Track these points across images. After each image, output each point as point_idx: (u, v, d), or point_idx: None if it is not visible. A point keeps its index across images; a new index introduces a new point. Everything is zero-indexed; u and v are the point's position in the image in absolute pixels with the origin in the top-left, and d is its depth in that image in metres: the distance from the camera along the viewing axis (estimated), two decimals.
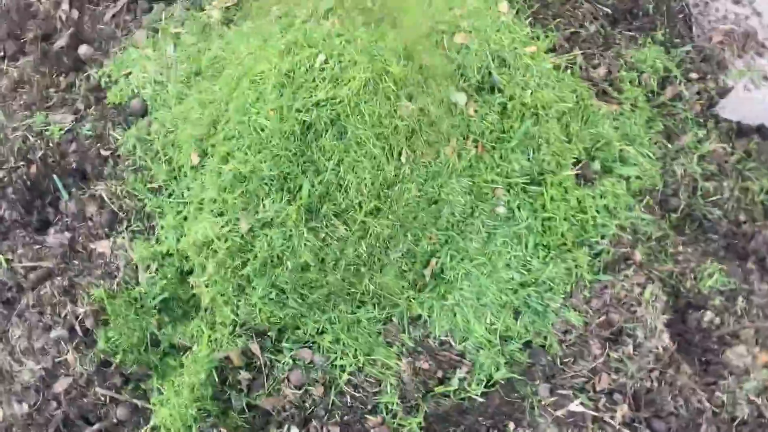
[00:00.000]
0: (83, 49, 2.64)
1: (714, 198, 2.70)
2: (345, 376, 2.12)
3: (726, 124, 2.96)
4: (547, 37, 2.69)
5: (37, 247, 2.28)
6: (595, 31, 2.98)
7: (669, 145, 2.78)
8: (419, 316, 2.22)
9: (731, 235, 2.70)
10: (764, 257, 2.66)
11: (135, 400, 2.12)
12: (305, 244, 2.05)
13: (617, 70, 2.88)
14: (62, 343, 2.12)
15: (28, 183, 2.37)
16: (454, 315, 2.21)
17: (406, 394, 2.12)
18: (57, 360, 2.12)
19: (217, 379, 2.09)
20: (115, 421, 2.11)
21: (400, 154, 2.09)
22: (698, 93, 2.93)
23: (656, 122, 2.83)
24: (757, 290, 2.52)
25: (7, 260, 2.26)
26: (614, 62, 2.90)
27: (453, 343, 2.20)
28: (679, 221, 2.66)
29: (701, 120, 2.90)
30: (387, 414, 2.10)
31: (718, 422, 2.27)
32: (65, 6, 2.69)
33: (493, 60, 2.34)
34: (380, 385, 2.13)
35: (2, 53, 2.64)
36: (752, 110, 2.98)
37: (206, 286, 2.16)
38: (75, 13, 2.71)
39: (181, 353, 2.18)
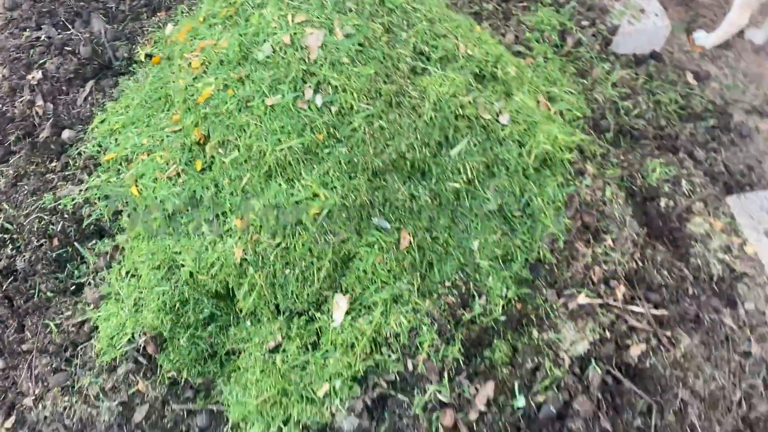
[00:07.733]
0: (66, 134, 2.80)
1: (635, 112, 3.11)
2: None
3: (624, 57, 3.42)
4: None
5: (81, 305, 2.41)
6: (493, 9, 3.45)
7: (585, 81, 3.21)
8: (430, 264, 2.46)
9: (659, 138, 3.06)
10: (691, 150, 3.03)
11: (210, 407, 2.25)
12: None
13: (522, 34, 3.33)
14: (131, 375, 2.26)
15: (54, 255, 2.49)
16: (462, 254, 2.47)
17: (441, 329, 2.30)
18: (130, 392, 2.25)
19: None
20: (197, 430, 2.22)
21: None
22: (594, 36, 3.38)
23: (568, 66, 3.26)
24: (693, 172, 2.87)
25: (56, 325, 2.37)
26: (518, 28, 3.35)
27: (466, 279, 2.45)
28: (614, 138, 3.01)
29: (603, 56, 3.36)
30: (430, 350, 2.28)
31: (700, 283, 2.54)
32: (40, 102, 2.87)
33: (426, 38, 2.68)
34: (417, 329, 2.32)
35: None
36: (640, 41, 3.44)
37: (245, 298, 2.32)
38: (50, 107, 2.88)
39: (237, 356, 2.33)
